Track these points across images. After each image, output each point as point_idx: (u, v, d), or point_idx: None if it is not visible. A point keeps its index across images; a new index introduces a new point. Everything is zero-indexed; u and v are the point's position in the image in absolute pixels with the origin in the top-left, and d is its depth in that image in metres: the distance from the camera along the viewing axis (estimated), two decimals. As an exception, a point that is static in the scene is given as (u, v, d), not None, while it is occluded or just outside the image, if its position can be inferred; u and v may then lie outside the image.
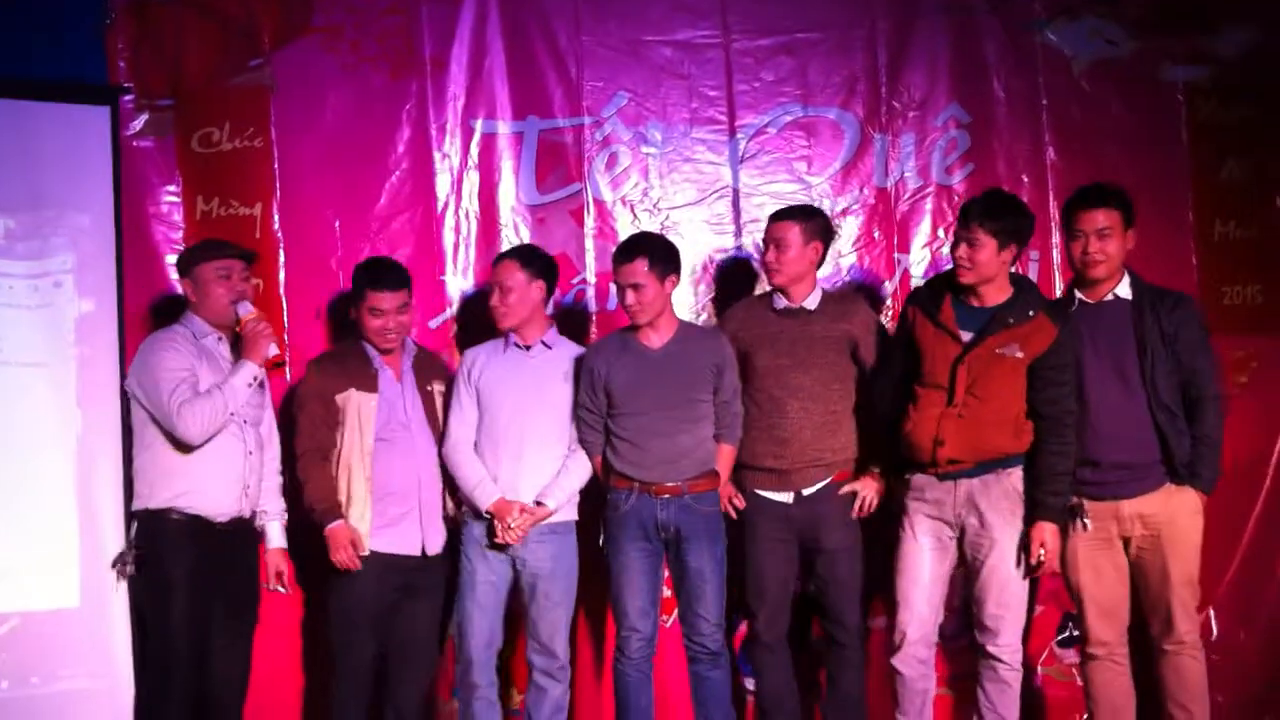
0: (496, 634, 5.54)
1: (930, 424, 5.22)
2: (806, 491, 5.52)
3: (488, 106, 6.21)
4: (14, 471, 5.45)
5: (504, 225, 6.19)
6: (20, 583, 5.44)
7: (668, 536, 5.41)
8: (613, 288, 5.71)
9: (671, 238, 5.80)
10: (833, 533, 5.51)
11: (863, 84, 6.32)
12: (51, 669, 5.47)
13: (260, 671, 5.52)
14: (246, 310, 5.38)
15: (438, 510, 5.55)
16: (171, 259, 5.82)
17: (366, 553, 5.39)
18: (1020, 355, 5.15)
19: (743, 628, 5.86)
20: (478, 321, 5.91)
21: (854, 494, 5.52)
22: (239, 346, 5.41)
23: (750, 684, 5.82)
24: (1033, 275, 6.14)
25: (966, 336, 5.20)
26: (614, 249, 5.67)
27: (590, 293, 6.21)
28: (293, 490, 5.51)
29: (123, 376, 5.45)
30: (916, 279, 6.19)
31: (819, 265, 5.65)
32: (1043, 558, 5.17)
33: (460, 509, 5.56)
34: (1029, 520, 5.20)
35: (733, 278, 6.24)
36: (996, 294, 5.24)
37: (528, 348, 5.56)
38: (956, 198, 6.17)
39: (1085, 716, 5.62)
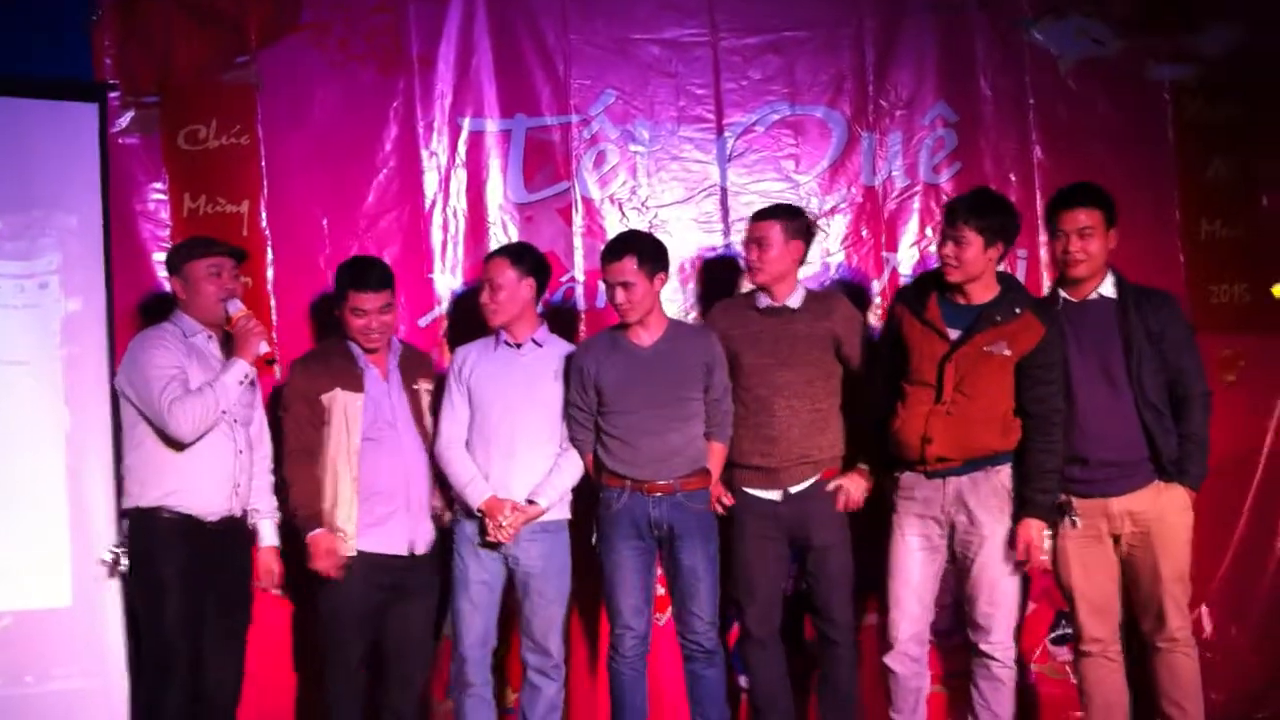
0: (491, 633, 5.52)
1: (918, 422, 5.22)
2: (794, 489, 5.52)
3: (475, 104, 6.20)
4: (3, 471, 5.42)
5: (492, 223, 6.19)
6: (12, 582, 5.41)
7: (660, 535, 5.41)
8: (601, 286, 5.70)
9: (660, 236, 5.80)
10: (821, 530, 5.51)
11: (850, 82, 6.32)
12: (45, 668, 5.44)
13: (253, 672, 5.48)
14: (237, 308, 5.35)
15: (425, 509, 5.53)
16: (159, 257, 5.81)
17: (354, 553, 5.36)
18: (1008, 353, 5.16)
19: (737, 625, 5.86)
20: (467, 319, 5.91)
21: (841, 492, 5.53)
22: (228, 345, 5.38)
23: (744, 681, 5.82)
24: (1020, 274, 6.17)
25: (954, 334, 5.21)
26: (602, 247, 5.65)
27: (579, 291, 6.21)
28: (283, 489, 5.48)
29: (112, 375, 5.43)
30: (904, 278, 6.20)
31: (801, 264, 5.65)
32: (1029, 554, 5.18)
33: (452, 507, 5.55)
34: (1016, 517, 5.22)
35: (719, 276, 6.24)
36: (983, 292, 5.25)
37: (518, 346, 5.55)
38: (944, 196, 6.17)
39: (1079, 714, 5.62)
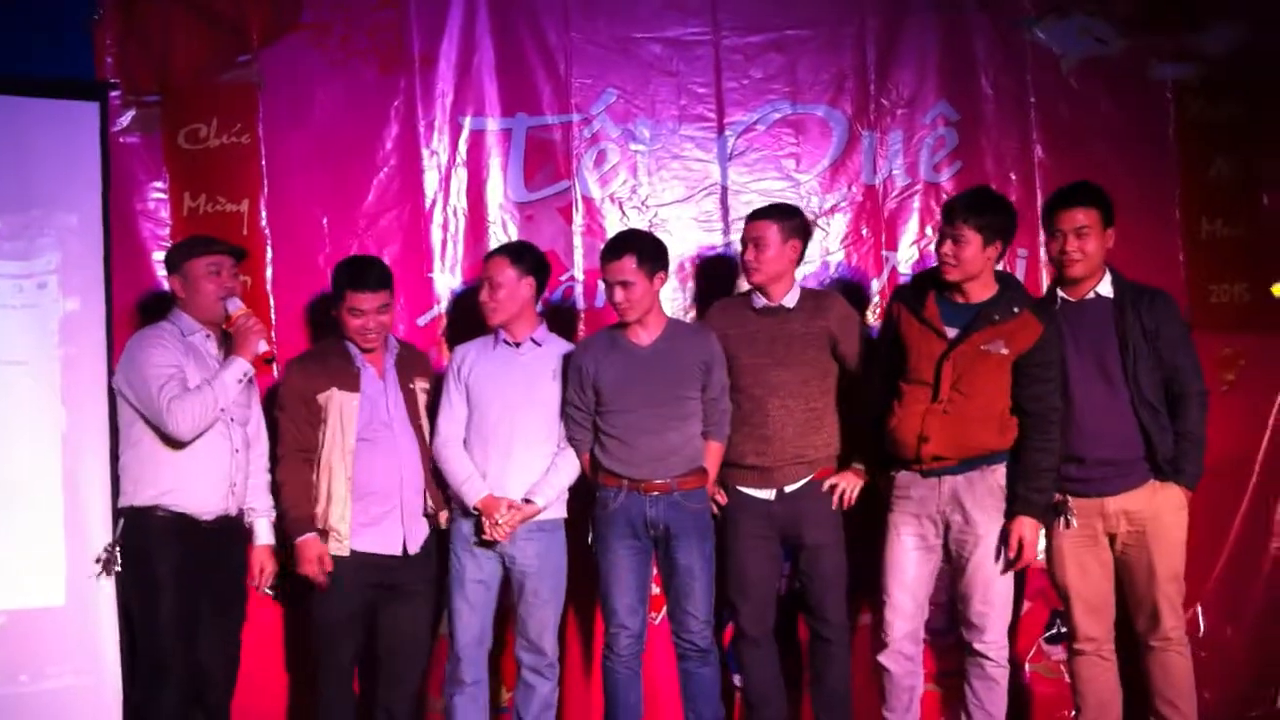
0: (487, 632, 5.53)
1: (915, 420, 5.22)
2: (789, 489, 5.52)
3: (476, 103, 6.20)
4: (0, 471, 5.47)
5: (492, 222, 6.18)
6: (6, 581, 5.45)
7: (657, 534, 5.41)
8: (601, 285, 5.70)
9: (660, 235, 5.80)
10: (815, 529, 5.51)
11: (851, 81, 6.31)
12: (39, 667, 5.48)
13: (245, 671, 5.49)
14: (236, 306, 5.35)
15: (419, 509, 5.52)
16: (158, 256, 5.81)
17: (347, 553, 5.36)
18: (1005, 352, 5.16)
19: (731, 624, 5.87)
20: (466, 318, 5.92)
21: (836, 490, 5.53)
22: (226, 344, 5.38)
23: (738, 680, 5.82)
24: (1020, 273, 6.17)
25: (952, 333, 5.21)
26: (602, 246, 5.65)
27: (578, 290, 6.21)
28: (276, 489, 5.47)
29: (110, 375, 5.43)
30: (904, 276, 6.19)
31: (798, 264, 5.65)
32: (1022, 552, 5.18)
33: (449, 506, 5.55)
34: (1010, 515, 5.21)
35: (718, 275, 6.24)
36: (981, 291, 5.25)
37: (517, 345, 5.55)
38: (944, 195, 6.15)
39: (1073, 713, 5.63)
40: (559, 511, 5.54)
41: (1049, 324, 5.22)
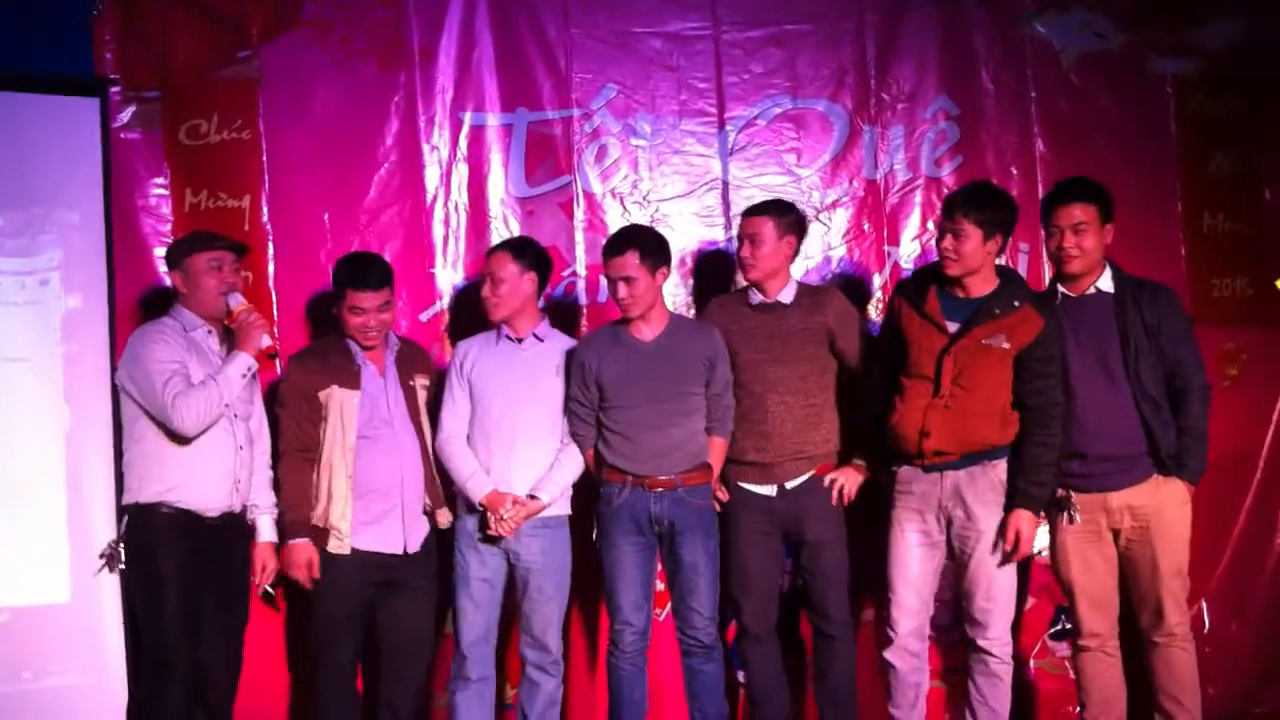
0: (492, 630, 5.53)
1: (916, 415, 5.23)
2: (789, 484, 5.52)
3: (476, 99, 6.18)
4: (3, 468, 5.45)
5: (493, 218, 6.17)
6: (10, 578, 5.45)
7: (661, 530, 5.41)
8: (603, 280, 5.70)
9: (661, 230, 5.80)
10: (816, 525, 5.51)
11: (852, 76, 6.31)
12: (43, 664, 5.48)
13: (247, 670, 5.47)
14: (238, 302, 5.34)
15: (419, 507, 5.51)
16: (160, 252, 5.79)
17: (348, 552, 5.34)
18: (1006, 346, 5.16)
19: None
20: (468, 314, 5.90)
21: (835, 485, 5.52)
22: (228, 340, 5.37)
23: (742, 677, 5.83)
24: (1022, 268, 6.18)
25: (953, 327, 5.22)
26: (604, 242, 5.64)
27: (580, 285, 6.20)
28: (276, 487, 5.47)
29: (113, 371, 5.43)
30: (906, 271, 6.18)
31: (794, 259, 5.64)
32: (1018, 545, 5.18)
33: (452, 505, 5.54)
34: (1008, 508, 5.22)
35: (720, 270, 6.23)
36: (982, 285, 5.25)
37: (519, 340, 5.55)
38: (945, 190, 6.15)
39: (1077, 709, 5.63)
40: (563, 508, 5.54)
41: (1050, 318, 5.22)
